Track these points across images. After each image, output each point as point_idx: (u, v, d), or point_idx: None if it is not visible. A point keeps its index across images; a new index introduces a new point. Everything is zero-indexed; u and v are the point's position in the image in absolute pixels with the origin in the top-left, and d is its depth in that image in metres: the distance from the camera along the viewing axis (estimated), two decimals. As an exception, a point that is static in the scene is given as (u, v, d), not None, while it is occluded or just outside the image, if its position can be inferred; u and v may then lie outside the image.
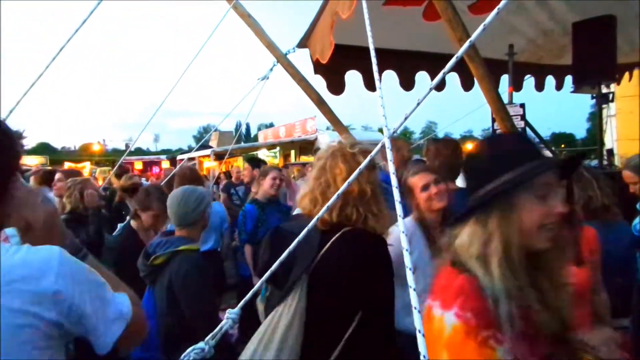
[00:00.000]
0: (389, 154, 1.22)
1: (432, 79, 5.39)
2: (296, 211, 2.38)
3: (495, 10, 1.22)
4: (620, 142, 7.96)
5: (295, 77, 4.90)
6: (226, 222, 5.60)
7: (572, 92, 6.44)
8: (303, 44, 4.74)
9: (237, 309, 1.48)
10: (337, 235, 1.64)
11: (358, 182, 1.69)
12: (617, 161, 7.33)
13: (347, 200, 1.69)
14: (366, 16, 1.52)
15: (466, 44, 1.22)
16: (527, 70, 5.96)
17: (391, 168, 1.14)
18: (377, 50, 4.86)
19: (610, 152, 7.60)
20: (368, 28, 1.53)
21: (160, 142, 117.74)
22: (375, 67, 1.42)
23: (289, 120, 20.67)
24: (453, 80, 5.35)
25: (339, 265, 1.62)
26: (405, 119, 1.45)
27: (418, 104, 1.45)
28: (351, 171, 1.67)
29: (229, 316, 1.47)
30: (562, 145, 43.29)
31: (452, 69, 4.93)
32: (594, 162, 8.18)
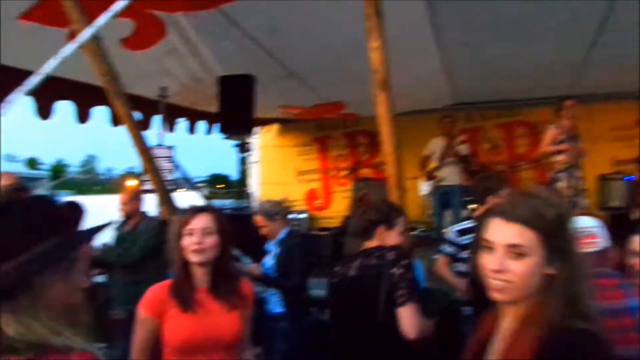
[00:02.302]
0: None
1: (80, 109, 4.95)
2: None
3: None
4: (263, 185, 9.03)
5: None
6: None
7: (224, 138, 6.97)
8: None
9: None
10: None
11: None
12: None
13: None
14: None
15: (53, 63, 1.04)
16: (180, 113, 6.14)
17: None
18: (6, 69, 4.12)
19: (249, 194, 8.56)
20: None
21: None
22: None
23: None
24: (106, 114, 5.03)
25: None
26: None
27: None
28: None
29: None
30: (221, 185, 46.90)
31: (103, 103, 4.53)
32: (243, 204, 9.01)
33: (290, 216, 7.32)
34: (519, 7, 4.16)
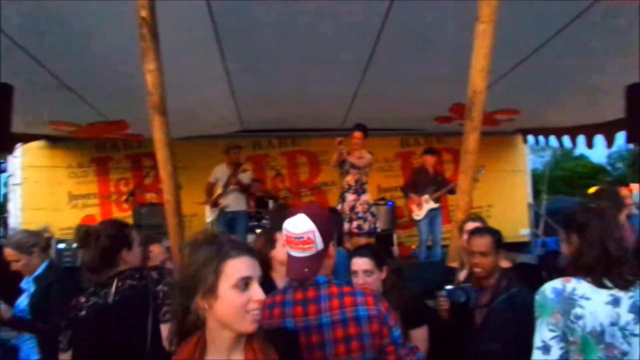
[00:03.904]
0: None
1: None
2: None
3: None
4: (26, 211, 7.87)
5: None
6: None
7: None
8: None
9: None
10: None
11: None
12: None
13: None
14: None
15: None
16: None
17: None
18: None
19: (6, 221, 7.45)
20: None
21: None
22: None
23: None
24: None
25: None
26: None
27: None
28: None
29: None
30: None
31: None
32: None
33: (59, 247, 6.49)
34: (296, 38, 4.42)
